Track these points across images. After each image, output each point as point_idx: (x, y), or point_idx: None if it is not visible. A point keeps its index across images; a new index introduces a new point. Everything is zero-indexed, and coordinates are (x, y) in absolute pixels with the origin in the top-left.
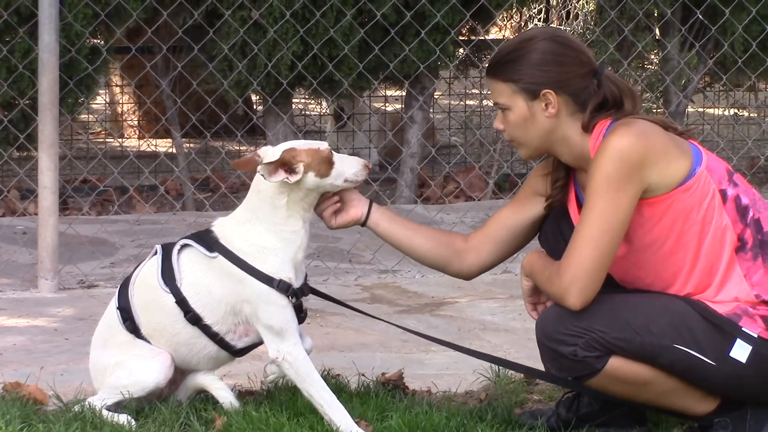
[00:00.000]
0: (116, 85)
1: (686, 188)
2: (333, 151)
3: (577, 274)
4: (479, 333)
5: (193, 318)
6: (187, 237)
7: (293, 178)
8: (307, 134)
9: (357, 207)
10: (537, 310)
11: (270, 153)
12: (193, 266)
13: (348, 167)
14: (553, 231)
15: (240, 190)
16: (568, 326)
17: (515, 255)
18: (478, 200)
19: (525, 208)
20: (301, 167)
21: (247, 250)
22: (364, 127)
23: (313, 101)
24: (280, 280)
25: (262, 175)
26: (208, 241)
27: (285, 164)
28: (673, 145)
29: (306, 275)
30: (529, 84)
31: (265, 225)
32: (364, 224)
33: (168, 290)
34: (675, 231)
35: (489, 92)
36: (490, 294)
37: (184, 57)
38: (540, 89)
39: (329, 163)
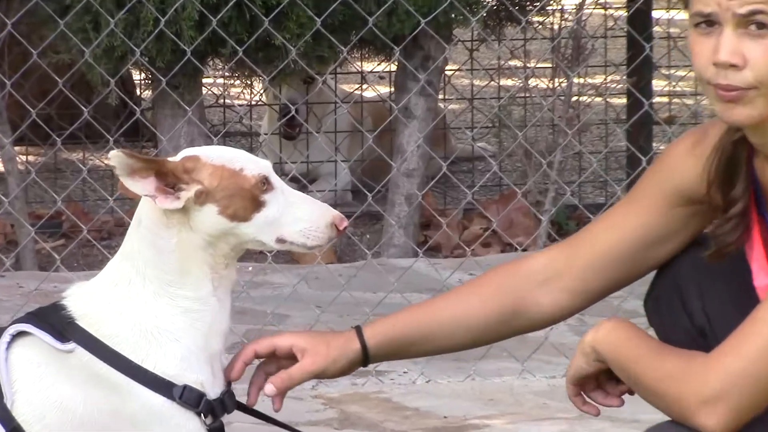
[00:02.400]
0: None
1: None
2: (276, 182)
3: (736, 382)
4: None
5: None
6: (23, 318)
7: (166, 202)
8: (229, 138)
9: (344, 350)
10: (582, 397)
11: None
12: (35, 369)
13: (294, 220)
14: (683, 289)
15: (115, 234)
16: None
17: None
18: (523, 250)
19: (651, 216)
20: (191, 190)
21: (126, 333)
22: (326, 125)
23: (238, 82)
24: (185, 387)
25: (117, 171)
26: (58, 323)
27: (168, 176)
28: None
29: (230, 381)
30: None
31: (152, 285)
32: (365, 365)
33: None
34: None
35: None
36: (545, 411)
37: (17, 8)
38: None
39: (253, 201)
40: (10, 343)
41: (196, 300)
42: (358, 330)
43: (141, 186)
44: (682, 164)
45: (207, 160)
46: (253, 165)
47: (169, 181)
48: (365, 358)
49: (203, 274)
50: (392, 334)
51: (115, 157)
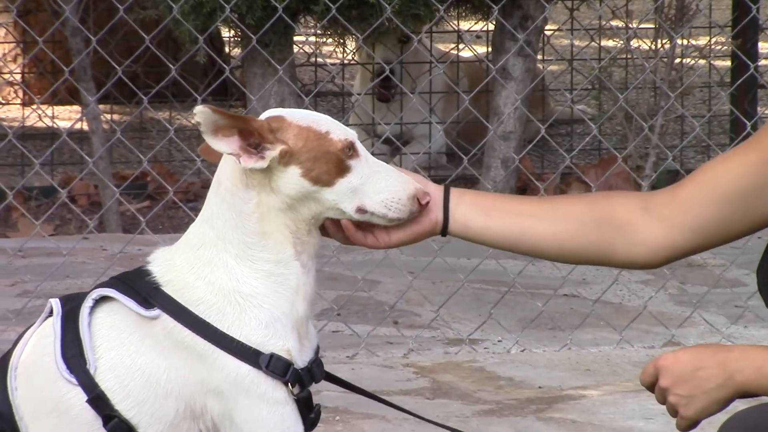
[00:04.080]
0: None
1: None
2: (362, 150)
3: None
4: None
5: (118, 428)
6: (107, 283)
7: (250, 162)
8: (320, 98)
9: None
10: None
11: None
12: (118, 336)
13: (376, 190)
14: None
15: (201, 196)
16: None
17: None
18: None
19: None
20: (276, 150)
21: (211, 299)
22: (421, 86)
23: (330, 41)
24: (272, 355)
25: (199, 126)
26: (142, 288)
27: (253, 135)
28: None
29: (318, 347)
30: None
31: (233, 248)
32: (444, 233)
33: (74, 380)
34: None
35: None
36: None
37: None
38: None
39: (338, 166)
40: (93, 308)
41: (277, 263)
42: (447, 188)
43: (225, 144)
44: None
45: (293, 120)
46: (340, 130)
47: (252, 140)
48: (446, 206)
49: (284, 238)
50: (478, 197)
51: (201, 113)
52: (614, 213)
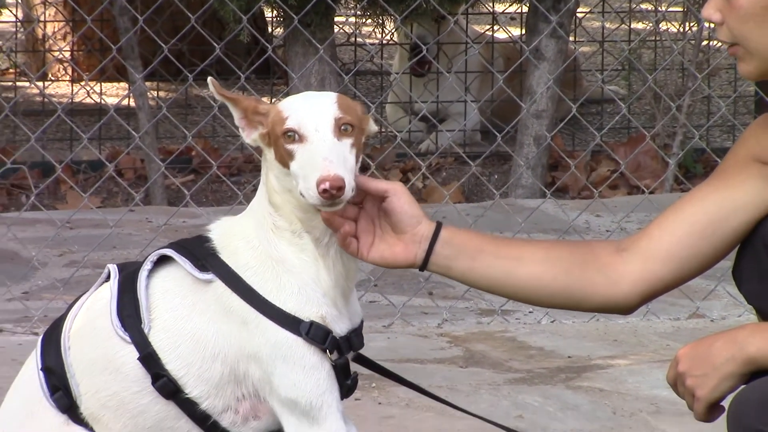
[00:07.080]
0: None
1: None
2: (312, 136)
3: None
4: (648, 419)
5: (167, 387)
6: (168, 246)
7: (244, 134)
8: (360, 77)
9: (410, 237)
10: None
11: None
12: (172, 299)
13: (304, 176)
14: None
15: (244, 171)
16: None
17: (714, 276)
18: (650, 193)
19: (734, 186)
20: (256, 132)
21: (255, 264)
22: (457, 65)
23: (370, 21)
24: (312, 323)
25: (215, 96)
26: (200, 253)
27: (250, 111)
28: None
29: (362, 321)
30: None
31: (264, 215)
32: (423, 268)
33: (128, 338)
34: None
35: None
36: (669, 353)
37: None
38: None
39: (285, 151)
40: (151, 271)
41: (293, 233)
42: (439, 225)
43: (235, 114)
44: (760, 134)
45: (280, 104)
46: (297, 116)
47: (251, 116)
48: (433, 241)
49: (290, 212)
50: (463, 235)
51: (210, 83)
52: (595, 254)
